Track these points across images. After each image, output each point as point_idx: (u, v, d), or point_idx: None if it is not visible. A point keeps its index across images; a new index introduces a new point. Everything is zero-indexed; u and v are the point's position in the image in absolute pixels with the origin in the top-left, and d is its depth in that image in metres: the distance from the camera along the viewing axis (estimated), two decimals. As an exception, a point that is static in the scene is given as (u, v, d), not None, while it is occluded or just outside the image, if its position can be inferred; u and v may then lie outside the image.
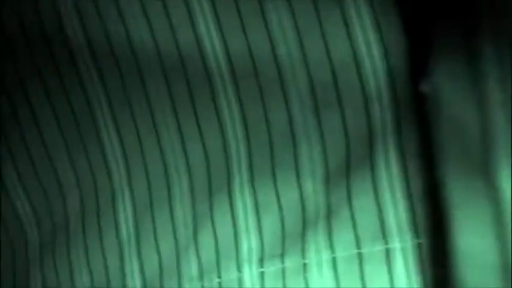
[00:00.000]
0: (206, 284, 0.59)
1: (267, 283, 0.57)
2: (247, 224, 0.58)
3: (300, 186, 0.58)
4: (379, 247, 0.55)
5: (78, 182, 0.63)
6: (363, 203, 0.56)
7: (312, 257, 0.57)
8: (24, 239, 0.65)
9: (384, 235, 0.56)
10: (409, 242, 0.55)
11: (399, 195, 0.55)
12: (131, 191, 0.62)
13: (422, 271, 0.54)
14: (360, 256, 0.56)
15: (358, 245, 0.56)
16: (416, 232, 0.55)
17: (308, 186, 0.57)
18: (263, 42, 0.58)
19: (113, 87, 0.61)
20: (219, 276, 0.59)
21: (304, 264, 0.57)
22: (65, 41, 0.61)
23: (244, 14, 0.58)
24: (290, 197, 0.58)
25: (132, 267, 0.61)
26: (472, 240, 0.51)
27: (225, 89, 0.59)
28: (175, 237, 0.60)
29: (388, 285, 0.55)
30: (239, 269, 0.58)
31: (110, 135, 0.62)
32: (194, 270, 0.59)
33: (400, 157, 0.56)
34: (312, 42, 0.57)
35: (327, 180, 0.57)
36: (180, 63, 0.59)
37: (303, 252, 0.57)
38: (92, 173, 0.63)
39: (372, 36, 0.55)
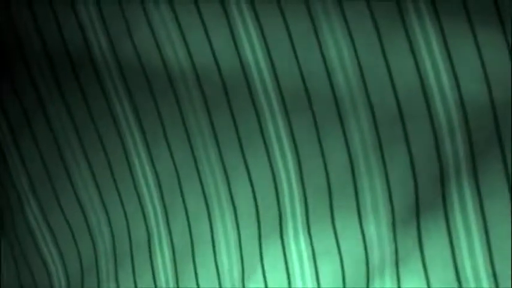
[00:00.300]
0: None
1: None
2: (303, 273, 0.52)
3: (362, 231, 0.51)
4: None
5: (110, 222, 0.57)
6: (436, 248, 0.50)
7: None
8: (49, 283, 0.59)
9: (460, 284, 0.50)
10: None
11: (476, 239, 0.49)
12: (169, 232, 0.55)
13: None
14: None
15: None
16: (495, 281, 0.49)
17: (372, 230, 0.51)
18: (317, 69, 0.51)
19: (146, 115, 0.55)
20: None
21: None
22: (91, 61, 0.55)
23: (296, 38, 0.51)
24: (351, 243, 0.51)
25: None
26: None
27: (275, 122, 0.52)
28: (220, 285, 0.54)
29: None
30: None
31: (144, 170, 0.56)
32: None
33: (477, 197, 0.49)
34: (373, 69, 0.50)
35: (393, 223, 0.51)
36: (223, 91, 0.52)
37: None
38: (124, 213, 0.56)
39: (441, 64, 0.48)
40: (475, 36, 0.48)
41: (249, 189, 0.53)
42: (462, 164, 0.49)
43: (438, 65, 0.49)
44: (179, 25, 0.52)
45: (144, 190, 0.56)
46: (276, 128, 0.52)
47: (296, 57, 0.51)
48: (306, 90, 0.51)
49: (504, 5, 0.47)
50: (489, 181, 0.49)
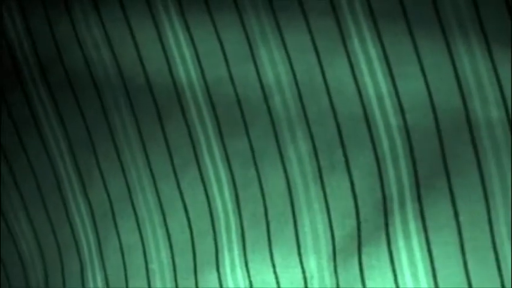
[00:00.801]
0: None
1: None
2: None
3: (302, 264, 0.48)
4: None
5: (42, 253, 0.54)
6: (378, 283, 0.47)
7: None
8: None
9: None
10: None
11: (422, 276, 0.46)
12: (103, 264, 0.53)
13: None
14: None
15: None
16: None
17: (312, 263, 0.48)
18: (254, 93, 0.48)
19: (78, 143, 0.52)
20: None
21: None
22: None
23: (232, 61, 0.48)
24: (291, 277, 0.49)
25: None
26: None
27: (210, 149, 0.49)
28: None
29: None
30: None
31: (77, 200, 0.53)
32: None
33: (423, 231, 0.46)
34: (313, 93, 0.47)
35: (334, 256, 0.48)
36: (158, 118, 0.50)
37: None
38: (57, 243, 0.54)
39: (385, 88, 0.46)
40: (419, 60, 0.45)
41: (184, 219, 0.51)
42: (407, 194, 0.47)
43: (381, 89, 0.46)
44: (113, 51, 0.50)
45: (77, 220, 0.53)
46: (212, 156, 0.49)
47: (232, 81, 0.48)
48: (242, 115, 0.48)
49: (451, 28, 0.44)
50: (435, 213, 0.46)
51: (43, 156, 0.53)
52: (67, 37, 0.50)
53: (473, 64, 0.44)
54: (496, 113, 0.44)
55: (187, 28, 0.48)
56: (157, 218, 0.51)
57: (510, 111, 0.44)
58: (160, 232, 0.51)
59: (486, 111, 0.45)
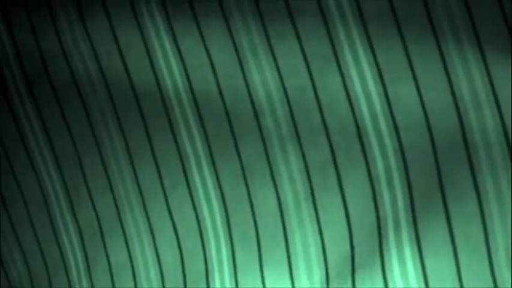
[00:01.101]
0: None
1: None
2: None
3: (293, 287, 0.47)
4: None
5: (30, 274, 0.53)
6: None
7: None
8: None
9: None
10: None
11: None
12: (91, 285, 0.51)
13: None
14: None
15: None
16: None
17: (304, 287, 0.47)
18: (244, 109, 0.47)
19: (65, 161, 0.51)
20: None
21: None
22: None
23: (222, 80, 0.47)
24: None
25: None
26: None
27: (200, 169, 0.48)
28: None
29: None
30: None
31: (65, 219, 0.52)
32: None
33: (418, 255, 0.45)
34: (304, 110, 0.46)
35: (327, 280, 0.46)
36: (146, 136, 0.48)
37: None
38: (45, 263, 0.53)
39: (379, 106, 0.44)
40: (414, 78, 0.43)
41: (174, 240, 0.49)
42: (402, 217, 0.45)
43: (375, 107, 0.44)
44: (101, 69, 0.48)
45: (65, 239, 0.52)
46: (201, 174, 0.48)
47: (221, 96, 0.47)
48: (232, 132, 0.47)
49: (447, 46, 0.42)
50: (431, 237, 0.44)
51: (30, 173, 0.52)
52: (53, 49, 0.49)
53: (470, 82, 0.42)
54: (493, 133, 0.43)
55: (174, 39, 0.47)
56: (146, 238, 0.50)
57: (508, 130, 0.42)
58: (150, 252, 0.50)
59: (483, 130, 0.43)
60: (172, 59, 0.47)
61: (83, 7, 0.48)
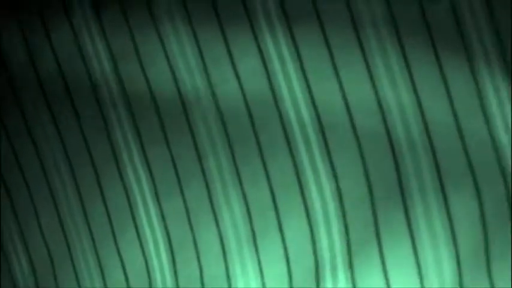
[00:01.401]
0: None
1: None
2: None
3: None
4: None
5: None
6: None
7: None
8: None
9: None
10: None
11: None
12: None
13: None
14: None
15: None
16: None
17: None
18: (187, 152, 0.48)
19: (17, 196, 0.52)
20: None
21: None
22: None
23: (167, 123, 0.48)
24: None
25: None
26: None
27: (147, 209, 0.49)
28: None
29: None
30: None
31: (19, 256, 0.53)
32: None
33: None
34: (245, 150, 0.47)
35: None
36: (95, 176, 0.50)
37: None
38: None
39: (318, 153, 0.45)
40: (352, 124, 0.44)
41: (123, 280, 0.50)
42: (339, 260, 0.45)
43: (314, 155, 0.45)
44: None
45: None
46: (148, 216, 0.49)
47: (166, 138, 0.48)
48: (177, 174, 0.48)
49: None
50: (367, 282, 0.45)
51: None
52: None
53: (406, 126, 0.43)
54: (429, 180, 0.43)
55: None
56: (96, 278, 0.51)
57: (441, 177, 0.43)
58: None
59: (419, 178, 0.43)
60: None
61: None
